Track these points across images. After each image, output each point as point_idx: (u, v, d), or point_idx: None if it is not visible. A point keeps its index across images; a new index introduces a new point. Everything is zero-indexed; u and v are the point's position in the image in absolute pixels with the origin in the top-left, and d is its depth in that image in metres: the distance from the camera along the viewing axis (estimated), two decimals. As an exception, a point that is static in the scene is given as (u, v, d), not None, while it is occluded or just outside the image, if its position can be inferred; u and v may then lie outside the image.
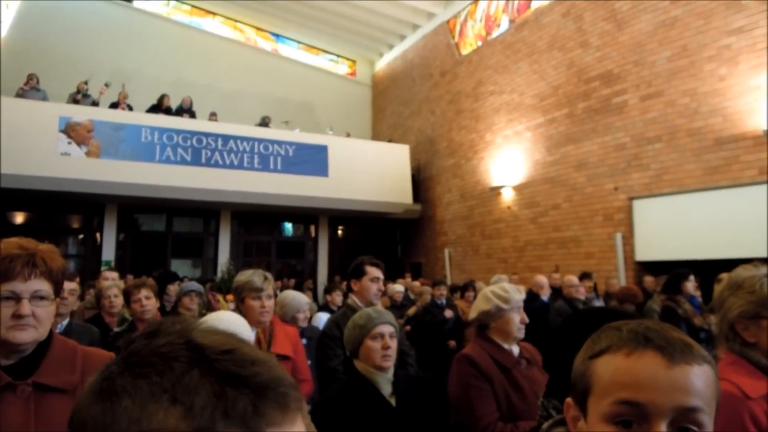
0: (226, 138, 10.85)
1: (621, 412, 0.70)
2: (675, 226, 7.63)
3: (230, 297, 2.83)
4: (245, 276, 2.73)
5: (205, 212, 12.41)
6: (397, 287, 7.60)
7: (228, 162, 10.76)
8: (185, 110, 11.32)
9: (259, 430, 0.42)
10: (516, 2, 11.07)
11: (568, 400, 0.81)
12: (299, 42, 16.17)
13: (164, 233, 12.34)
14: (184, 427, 0.40)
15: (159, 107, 11.09)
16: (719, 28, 7.25)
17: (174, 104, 11.40)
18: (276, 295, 3.19)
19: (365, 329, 2.03)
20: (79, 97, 10.29)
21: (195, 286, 4.22)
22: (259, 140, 11.22)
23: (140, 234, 12.25)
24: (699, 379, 0.70)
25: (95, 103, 10.28)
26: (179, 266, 12.32)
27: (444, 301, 6.62)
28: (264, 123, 12.18)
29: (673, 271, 4.80)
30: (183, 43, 13.96)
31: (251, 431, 0.41)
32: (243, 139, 11.04)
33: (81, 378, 1.27)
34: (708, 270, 5.45)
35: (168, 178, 10.07)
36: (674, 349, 0.71)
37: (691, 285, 4.63)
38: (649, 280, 7.29)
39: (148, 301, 3.29)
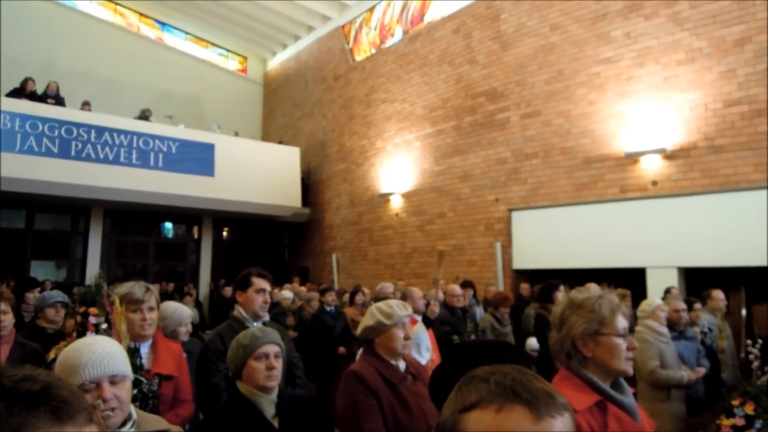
0: (100, 130, 10.02)
1: None
2: (548, 237, 8.20)
3: (93, 310, 2.58)
4: (125, 288, 2.57)
5: (74, 209, 11.38)
6: (285, 293, 7.45)
7: (102, 156, 9.94)
8: (50, 97, 10.29)
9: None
10: (410, 14, 11.35)
11: None
12: (187, 33, 15.38)
13: (23, 231, 11.14)
14: None
15: (22, 92, 10.00)
16: (591, 57, 7.92)
17: (40, 90, 10.34)
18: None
19: (249, 349, 1.94)
20: None
21: (60, 296, 3.81)
22: (138, 134, 10.49)
23: (-6, 231, 10.96)
24: None
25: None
26: (40, 268, 11.21)
27: (333, 308, 6.59)
28: (144, 116, 11.41)
29: (545, 281, 5.13)
30: (54, 23, 12.69)
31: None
32: (120, 132, 10.27)
33: None
34: (576, 278, 5.90)
35: (30, 171, 9.09)
36: (540, 403, 0.74)
37: (561, 294, 4.95)
38: (524, 287, 7.78)
39: (5, 317, 2.92)
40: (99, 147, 9.96)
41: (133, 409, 1.60)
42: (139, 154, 10.41)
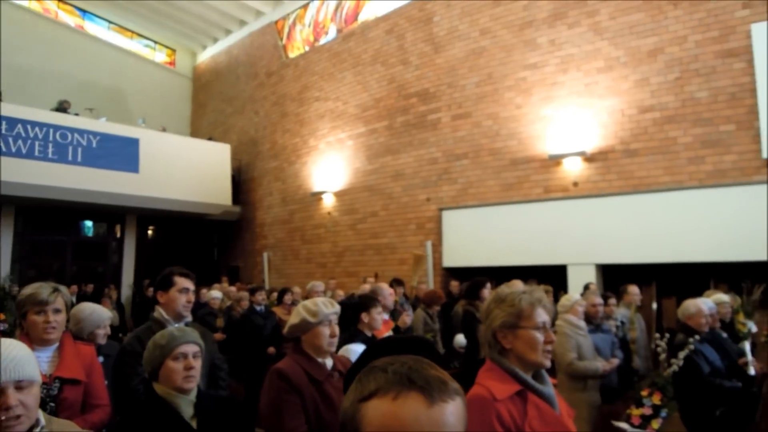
0: (12, 121, 9.38)
1: None
2: (477, 236, 8.42)
3: (0, 315, 2.43)
4: (31, 288, 2.42)
5: (-19, 206, 10.60)
6: (214, 293, 7.26)
7: (14, 149, 9.32)
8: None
9: None
10: (344, 13, 11.33)
11: None
12: (110, 22, 14.66)
13: None
14: None
15: None
16: (518, 62, 8.20)
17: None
18: (69, 308, 2.81)
19: (166, 349, 1.88)
20: None
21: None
22: (55, 127, 9.91)
23: None
24: (453, 416, 0.79)
25: None
26: (-58, 269, 10.36)
27: (263, 308, 6.48)
28: (62, 108, 10.79)
29: (473, 279, 5.27)
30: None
31: None
32: (35, 124, 9.66)
33: None
34: (503, 276, 6.09)
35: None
36: (433, 389, 0.78)
37: (487, 291, 5.10)
38: (454, 285, 7.95)
39: None
40: (11, 140, 9.33)
41: (41, 415, 1.53)
42: (56, 148, 9.84)
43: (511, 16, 8.34)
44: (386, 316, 4.05)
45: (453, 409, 0.79)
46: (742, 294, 4.67)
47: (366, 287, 6.38)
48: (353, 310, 3.32)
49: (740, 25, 6.37)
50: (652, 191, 6.82)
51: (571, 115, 7.55)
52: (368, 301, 3.35)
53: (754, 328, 4.50)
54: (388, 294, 4.24)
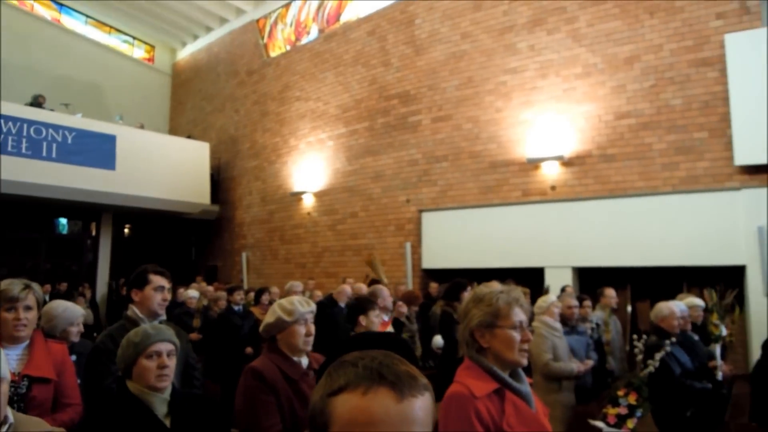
0: (-16, 116, 9.18)
1: None
2: (456, 238, 8.47)
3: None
4: (2, 285, 2.38)
5: (-49, 202, 10.34)
6: (191, 292, 7.19)
7: (-14, 144, 9.12)
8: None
9: None
10: (326, 13, 11.32)
11: None
12: (88, 16, 14.42)
13: None
14: None
15: None
16: (498, 66, 8.27)
17: None
18: (42, 305, 2.75)
19: (140, 347, 1.86)
20: None
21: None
22: (29, 122, 9.70)
23: None
24: (422, 411, 0.79)
25: None
26: None
27: (241, 308, 6.43)
28: (36, 103, 10.58)
29: (453, 280, 5.30)
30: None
31: None
32: (8, 118, 9.44)
33: None
34: (481, 278, 6.13)
35: None
36: (403, 384, 0.78)
37: (467, 294, 5.14)
38: (433, 286, 7.99)
39: None
40: (-18, 134, 9.13)
41: (10, 412, 1.50)
42: (29, 144, 9.63)
43: (492, 20, 8.41)
44: (386, 318, 4.00)
45: (422, 404, 0.79)
46: (717, 297, 4.77)
47: (345, 288, 6.37)
48: (351, 313, 3.23)
49: (714, 35, 6.52)
50: (627, 196, 6.94)
51: (550, 120, 7.63)
52: (366, 303, 3.23)
53: (724, 331, 4.60)
54: (387, 295, 4.17)
